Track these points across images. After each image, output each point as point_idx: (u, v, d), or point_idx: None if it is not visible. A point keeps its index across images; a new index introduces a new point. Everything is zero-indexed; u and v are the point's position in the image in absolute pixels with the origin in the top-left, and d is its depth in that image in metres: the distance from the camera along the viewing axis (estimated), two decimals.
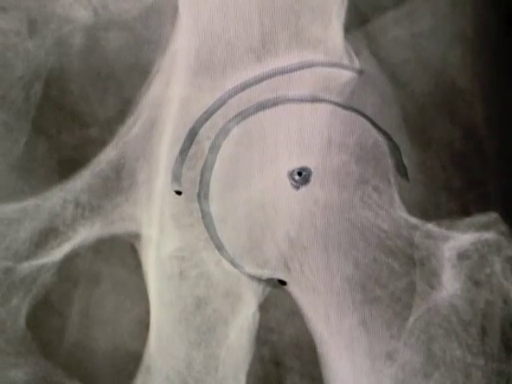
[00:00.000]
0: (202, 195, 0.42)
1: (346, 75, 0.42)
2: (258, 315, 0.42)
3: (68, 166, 0.43)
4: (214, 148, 0.42)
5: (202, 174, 0.42)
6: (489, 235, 0.41)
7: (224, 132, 0.42)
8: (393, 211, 0.42)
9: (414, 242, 0.41)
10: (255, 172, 0.42)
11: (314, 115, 0.42)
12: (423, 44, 0.43)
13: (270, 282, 0.42)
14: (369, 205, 0.42)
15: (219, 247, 0.42)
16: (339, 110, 0.42)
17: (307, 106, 0.42)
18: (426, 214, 0.42)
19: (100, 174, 0.43)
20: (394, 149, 0.42)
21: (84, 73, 0.43)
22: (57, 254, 0.43)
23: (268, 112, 0.42)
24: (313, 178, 0.42)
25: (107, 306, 0.44)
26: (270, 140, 0.42)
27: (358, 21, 0.43)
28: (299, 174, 0.41)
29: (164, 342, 0.42)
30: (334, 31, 0.42)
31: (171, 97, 0.42)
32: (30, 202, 0.43)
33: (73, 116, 0.43)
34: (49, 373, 0.43)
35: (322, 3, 0.41)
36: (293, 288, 0.42)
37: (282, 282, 0.42)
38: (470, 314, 0.41)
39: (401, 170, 0.42)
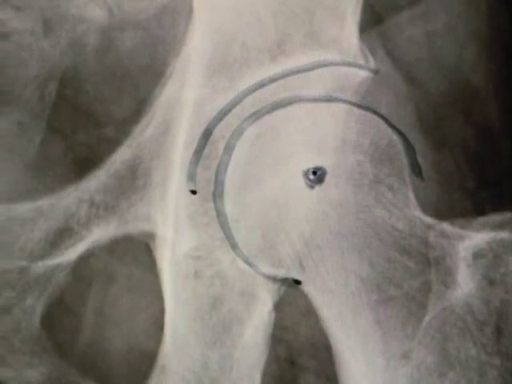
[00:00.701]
0: (217, 195, 0.42)
1: (361, 75, 0.42)
2: (273, 314, 0.42)
3: (83, 165, 0.43)
4: (229, 148, 0.42)
5: (216, 174, 0.42)
6: (504, 234, 0.41)
7: (238, 132, 0.42)
8: (407, 211, 0.42)
9: (429, 242, 0.41)
10: (270, 171, 0.42)
11: (329, 115, 0.42)
12: (438, 43, 0.43)
13: (285, 281, 0.42)
14: (383, 204, 0.41)
15: (234, 246, 0.42)
16: (354, 109, 0.42)
17: (322, 106, 0.42)
18: (440, 214, 0.42)
19: (115, 174, 0.43)
20: (409, 148, 0.42)
21: (99, 72, 0.43)
22: (71, 253, 0.43)
23: (282, 112, 0.42)
24: (327, 178, 0.42)
25: (122, 306, 0.43)
26: (284, 139, 0.42)
27: (372, 20, 0.43)
28: (314, 173, 0.41)
29: (179, 342, 0.42)
30: (349, 31, 0.42)
31: (186, 97, 0.42)
32: (44, 202, 0.42)
33: (88, 115, 0.43)
34: (63, 372, 0.43)
35: (337, 3, 0.41)
36: (308, 287, 0.42)
37: (297, 282, 0.42)
38: (485, 313, 0.40)
39: (415, 169, 0.42)
